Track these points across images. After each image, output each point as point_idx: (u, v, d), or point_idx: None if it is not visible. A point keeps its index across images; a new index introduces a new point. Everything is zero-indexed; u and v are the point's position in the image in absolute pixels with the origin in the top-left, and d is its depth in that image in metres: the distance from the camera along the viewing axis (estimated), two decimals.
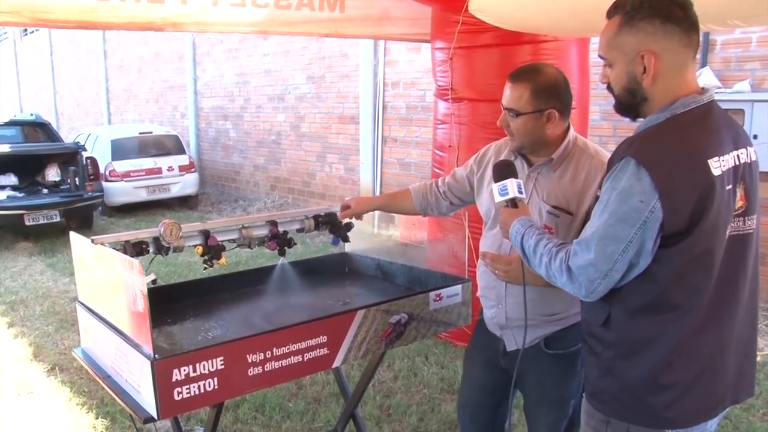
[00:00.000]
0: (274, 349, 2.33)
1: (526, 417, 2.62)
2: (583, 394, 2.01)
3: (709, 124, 1.72)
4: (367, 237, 3.27)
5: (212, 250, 2.63)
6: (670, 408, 1.76)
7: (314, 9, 4.44)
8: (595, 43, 5.21)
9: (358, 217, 2.93)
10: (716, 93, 1.98)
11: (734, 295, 1.78)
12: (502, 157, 2.46)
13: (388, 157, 9.50)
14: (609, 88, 1.83)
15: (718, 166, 1.66)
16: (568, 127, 2.36)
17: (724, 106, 1.83)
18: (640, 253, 1.66)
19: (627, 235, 1.65)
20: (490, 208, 2.47)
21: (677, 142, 1.68)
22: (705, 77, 5.73)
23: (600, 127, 6.51)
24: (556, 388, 2.46)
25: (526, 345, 2.36)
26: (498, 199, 2.15)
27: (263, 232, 2.86)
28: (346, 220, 3.08)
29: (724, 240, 1.71)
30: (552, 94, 2.26)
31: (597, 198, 1.78)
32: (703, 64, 5.96)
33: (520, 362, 2.34)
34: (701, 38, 5.86)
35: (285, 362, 2.36)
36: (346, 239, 3.11)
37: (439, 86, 4.79)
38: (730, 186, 1.70)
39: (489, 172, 2.47)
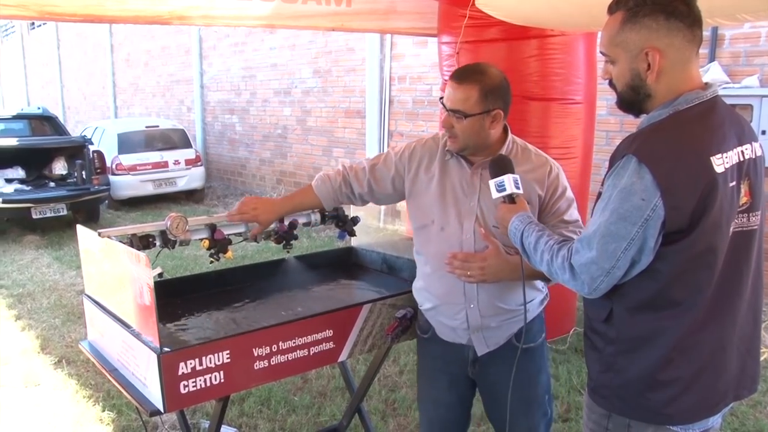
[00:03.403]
0: (280, 343, 2.33)
1: (501, 424, 2.47)
2: (584, 391, 2.02)
3: (712, 121, 1.71)
4: (373, 231, 3.28)
5: (218, 244, 2.63)
6: (670, 404, 1.76)
7: (321, 3, 4.43)
8: None
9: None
10: (724, 88, 1.97)
11: (737, 292, 1.78)
12: (437, 156, 2.41)
13: None
14: (611, 84, 1.82)
15: (721, 162, 1.65)
16: (506, 128, 2.36)
17: (732, 101, 1.82)
18: (642, 250, 1.66)
19: (629, 233, 1.64)
20: (431, 208, 2.37)
21: (679, 139, 1.66)
22: (713, 72, 5.69)
23: (607, 122, 6.50)
24: (531, 385, 2.43)
25: (499, 345, 2.37)
26: (495, 195, 2.11)
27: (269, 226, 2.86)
28: (352, 214, 3.07)
29: (727, 237, 1.70)
30: (498, 95, 2.24)
31: (599, 195, 1.78)
32: (711, 58, 5.93)
33: (491, 366, 2.36)
34: (710, 33, 5.87)
35: (291, 356, 2.36)
36: (352, 233, 3.11)
37: (446, 80, 4.78)
38: (734, 182, 1.69)
39: (423, 176, 2.40)
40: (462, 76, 2.25)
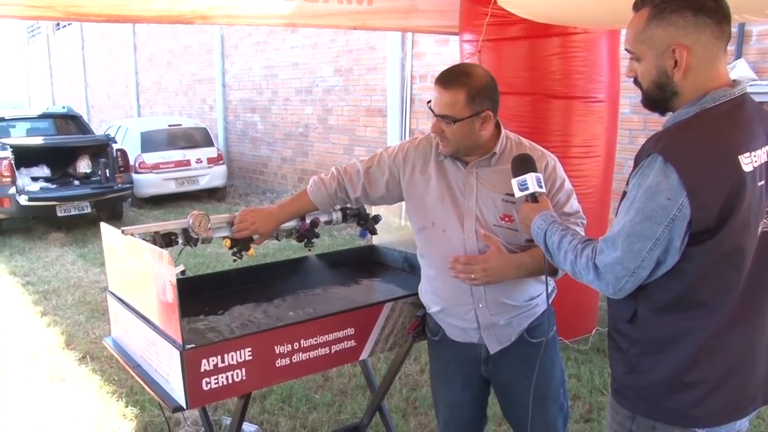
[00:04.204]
0: (302, 341, 2.34)
1: (517, 422, 2.47)
2: (606, 392, 2.00)
3: (740, 118, 1.68)
4: (395, 230, 3.27)
5: (240, 243, 2.64)
6: (696, 406, 1.73)
7: (342, 2, 4.43)
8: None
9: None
10: (751, 85, 1.94)
11: (766, 293, 1.75)
12: (432, 157, 2.39)
13: None
14: (636, 82, 1.78)
15: (749, 161, 1.62)
16: (498, 124, 2.33)
17: (759, 99, 1.79)
18: (668, 251, 1.63)
19: (654, 233, 1.62)
20: (431, 210, 2.35)
21: (706, 137, 1.64)
22: (740, 69, 5.61)
23: (630, 120, 6.43)
24: (546, 379, 2.39)
25: (511, 341, 2.35)
26: (518, 194, 2.09)
27: (291, 224, 2.86)
28: (373, 213, 3.07)
29: (755, 237, 1.68)
30: (486, 96, 2.20)
31: (624, 193, 1.75)
32: (738, 55, 5.85)
33: (504, 363, 2.35)
34: (737, 29, 5.80)
35: (312, 354, 2.37)
36: (373, 232, 3.11)
37: None
38: (763, 182, 1.66)
39: (418, 178, 2.40)
40: (447, 80, 2.21)
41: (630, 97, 5.86)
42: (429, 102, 2.28)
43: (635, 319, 1.77)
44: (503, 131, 2.34)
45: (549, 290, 2.24)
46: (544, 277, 2.21)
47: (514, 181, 2.10)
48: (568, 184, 2.33)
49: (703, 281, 1.67)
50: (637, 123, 6.51)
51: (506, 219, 2.25)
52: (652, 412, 1.79)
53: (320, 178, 2.59)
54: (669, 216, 1.59)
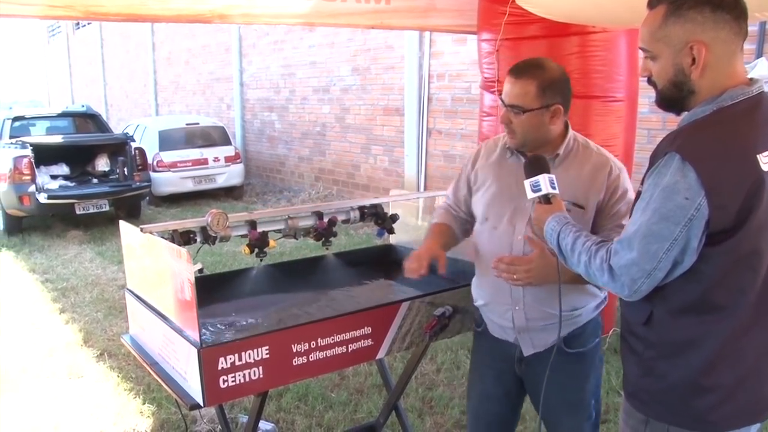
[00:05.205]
0: (319, 340, 2.34)
1: (545, 422, 2.48)
2: (622, 393, 1.97)
3: (758, 117, 1.65)
4: (412, 229, 3.27)
5: (258, 243, 2.64)
6: (714, 410, 1.71)
7: (360, 1, 4.43)
8: None
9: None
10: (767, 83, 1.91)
11: None
12: (496, 153, 2.40)
13: (433, 149, 9.46)
14: (650, 81, 1.76)
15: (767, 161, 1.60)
16: (567, 124, 2.32)
17: None
18: (685, 251, 1.61)
19: (671, 234, 1.59)
20: (488, 206, 2.37)
21: (724, 136, 1.61)
22: (760, 68, 5.56)
23: (648, 120, 6.38)
24: (576, 389, 2.38)
25: (546, 347, 2.32)
26: (530, 195, 2.07)
27: (309, 222, 2.87)
28: (390, 212, 3.07)
29: None
30: (557, 90, 2.20)
31: (638, 193, 1.73)
32: (759, 54, 5.79)
33: (537, 366, 2.31)
34: (757, 27, 5.74)
35: (329, 353, 2.37)
36: (391, 231, 3.11)
37: (486, 78, 4.75)
38: None
39: (480, 172, 2.42)
40: (520, 70, 2.22)
41: (649, 96, 5.76)
42: (500, 93, 2.28)
43: (651, 321, 1.75)
44: (571, 132, 2.33)
45: (598, 302, 2.26)
46: (592, 287, 2.23)
47: (527, 182, 2.08)
48: (631, 195, 2.26)
49: (720, 283, 1.65)
50: (656, 122, 6.46)
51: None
52: (668, 416, 1.77)
53: (443, 210, 2.61)
54: (687, 216, 1.57)
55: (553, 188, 2.05)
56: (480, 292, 2.45)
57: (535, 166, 2.10)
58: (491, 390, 2.55)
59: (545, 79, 2.18)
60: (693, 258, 1.62)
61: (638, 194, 1.73)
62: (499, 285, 2.31)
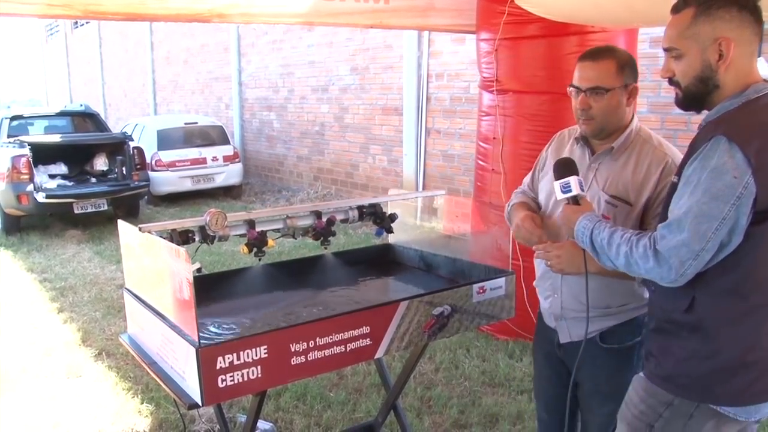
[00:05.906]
0: (317, 339, 2.33)
1: (581, 406, 2.55)
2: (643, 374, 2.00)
3: None
4: (411, 229, 3.27)
5: (256, 242, 2.64)
6: (753, 384, 1.79)
7: (359, 0, 4.43)
8: (644, 33, 5.11)
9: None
10: None
11: None
12: (565, 144, 2.47)
13: (432, 149, 9.46)
14: (672, 81, 1.85)
15: None
16: (633, 115, 2.34)
17: None
18: (734, 230, 1.68)
19: (720, 213, 1.67)
20: (547, 193, 2.46)
21: (763, 119, 1.72)
22: (760, 68, 5.56)
23: (647, 119, 6.37)
24: (609, 382, 2.39)
25: (581, 338, 2.32)
26: (560, 196, 2.14)
27: (307, 222, 2.86)
28: (389, 212, 3.07)
29: None
30: (632, 70, 2.26)
31: (673, 185, 1.81)
32: (758, 54, 5.79)
33: (574, 357, 2.32)
34: None
35: (328, 352, 2.36)
36: (389, 230, 3.11)
37: (484, 78, 4.76)
38: None
39: (548, 160, 2.51)
40: (595, 54, 2.27)
41: (647, 96, 5.82)
42: (570, 86, 2.30)
43: (693, 307, 1.81)
44: (634, 123, 2.33)
45: (640, 303, 2.28)
46: (636, 288, 2.28)
47: (557, 184, 2.15)
48: None
49: (763, 262, 1.73)
50: (655, 122, 6.45)
51: (603, 218, 2.22)
52: (704, 395, 1.83)
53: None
54: (735, 194, 1.66)
55: (582, 190, 2.13)
56: (537, 272, 2.56)
57: (565, 168, 2.17)
58: (543, 370, 2.68)
59: (621, 59, 2.24)
60: (740, 238, 1.70)
61: (672, 186, 1.82)
62: (544, 270, 2.42)
